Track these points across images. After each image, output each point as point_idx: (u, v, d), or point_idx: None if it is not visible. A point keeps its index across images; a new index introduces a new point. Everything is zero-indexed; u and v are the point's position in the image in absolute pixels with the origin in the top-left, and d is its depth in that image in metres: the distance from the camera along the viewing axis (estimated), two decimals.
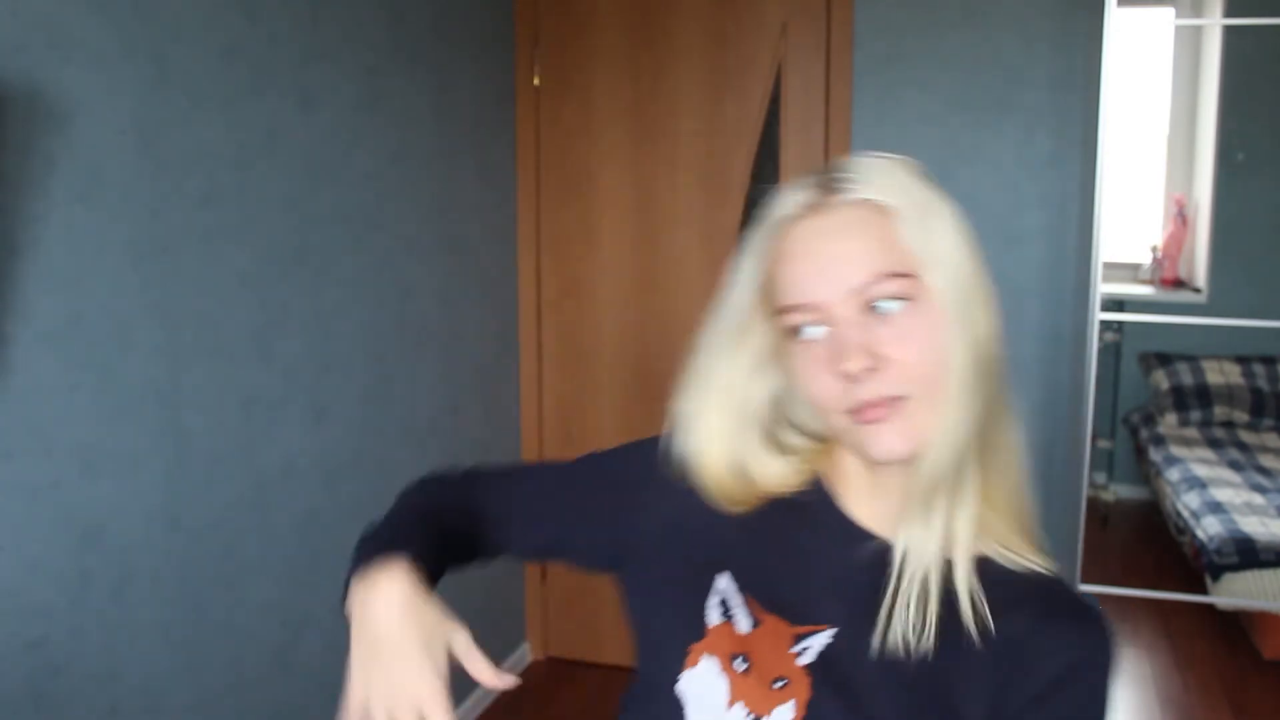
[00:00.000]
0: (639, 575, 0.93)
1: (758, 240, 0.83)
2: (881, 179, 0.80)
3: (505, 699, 3.05)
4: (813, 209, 0.80)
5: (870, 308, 0.77)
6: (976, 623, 0.79)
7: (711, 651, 0.85)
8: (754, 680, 0.83)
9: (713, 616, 0.86)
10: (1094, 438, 3.83)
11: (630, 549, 0.94)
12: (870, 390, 0.76)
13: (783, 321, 0.81)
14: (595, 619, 3.24)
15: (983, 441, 0.81)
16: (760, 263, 0.83)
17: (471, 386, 2.87)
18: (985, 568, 0.82)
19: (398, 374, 2.51)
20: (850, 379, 0.76)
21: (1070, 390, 2.75)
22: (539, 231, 3.11)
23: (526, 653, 3.27)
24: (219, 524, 1.95)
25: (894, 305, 0.77)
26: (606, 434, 3.11)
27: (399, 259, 2.48)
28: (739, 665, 0.84)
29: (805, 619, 0.84)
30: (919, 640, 0.79)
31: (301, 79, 2.11)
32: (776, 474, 0.89)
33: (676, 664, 0.86)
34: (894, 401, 0.77)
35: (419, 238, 2.57)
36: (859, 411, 0.77)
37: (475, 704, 2.94)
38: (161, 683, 1.83)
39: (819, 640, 0.83)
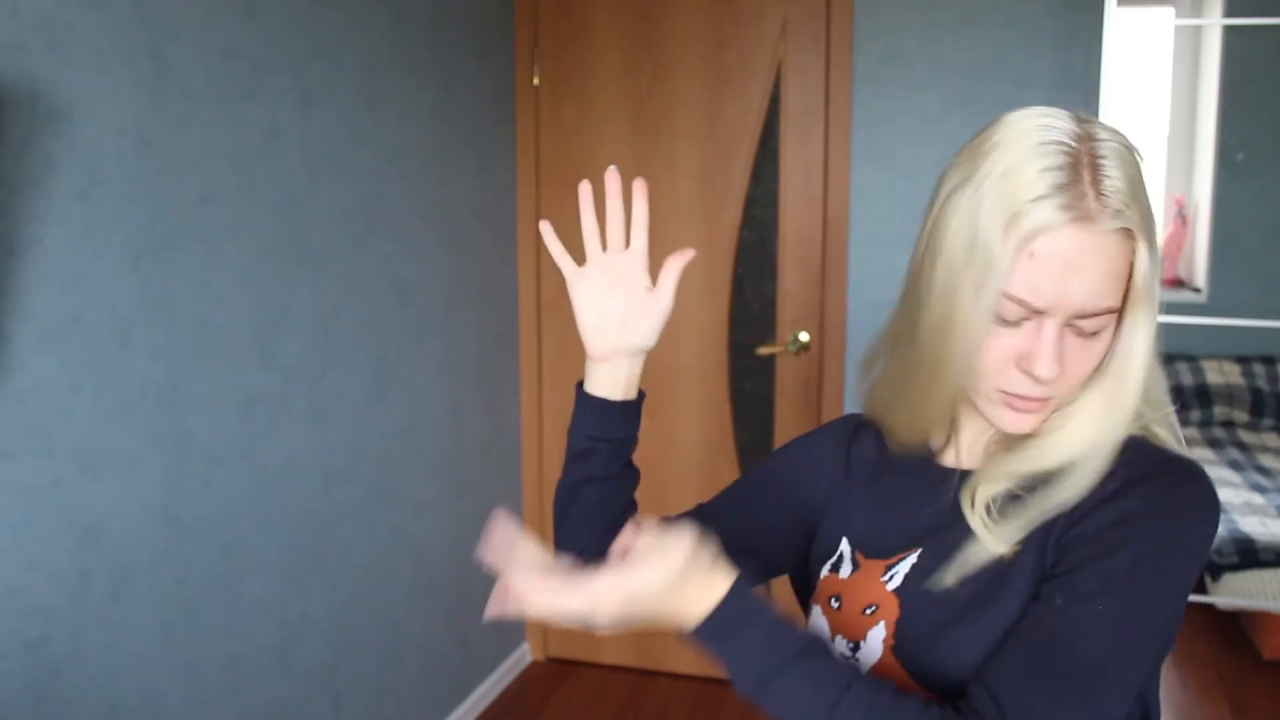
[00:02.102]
0: (805, 559, 1.06)
1: (1003, 219, 0.79)
2: (1136, 200, 0.80)
3: (505, 699, 3.05)
4: (1077, 221, 0.78)
5: (1073, 324, 0.82)
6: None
7: (816, 600, 0.98)
8: (847, 613, 0.94)
9: (824, 573, 0.99)
10: None
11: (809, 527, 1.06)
12: (1038, 391, 0.84)
13: (1000, 304, 0.81)
14: None
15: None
16: (1001, 244, 0.79)
17: (471, 386, 2.87)
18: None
19: (398, 374, 2.51)
20: (1035, 381, 0.83)
21: None
22: (539, 231, 3.11)
23: (526, 653, 3.27)
24: (218, 524, 1.95)
25: (1094, 330, 0.82)
26: None
27: (399, 259, 2.48)
28: (834, 604, 0.96)
29: (896, 552, 0.94)
30: (993, 549, 0.86)
31: (301, 79, 2.11)
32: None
33: (806, 615, 1.00)
34: (1043, 401, 0.85)
35: (419, 238, 2.57)
36: (1015, 398, 0.85)
37: (475, 704, 2.94)
38: (161, 682, 1.83)
39: (905, 565, 0.92)
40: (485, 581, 2.99)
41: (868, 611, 0.92)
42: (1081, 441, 0.85)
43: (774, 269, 2.98)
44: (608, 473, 1.03)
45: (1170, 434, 0.90)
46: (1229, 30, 4.21)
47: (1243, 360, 4.36)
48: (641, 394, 1.05)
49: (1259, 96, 4.27)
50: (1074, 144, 0.79)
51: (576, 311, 1.03)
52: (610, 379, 1.02)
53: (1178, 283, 4.57)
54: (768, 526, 1.06)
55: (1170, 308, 4.45)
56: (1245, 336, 4.35)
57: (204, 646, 1.93)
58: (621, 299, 1.02)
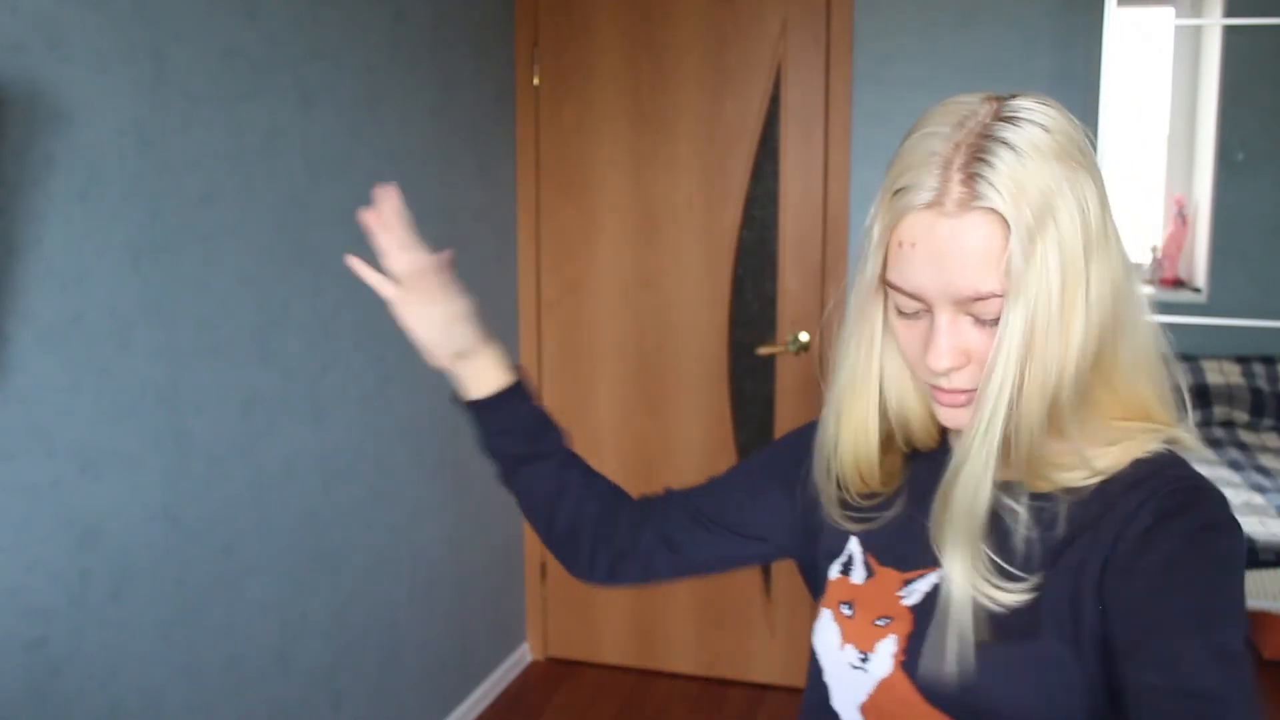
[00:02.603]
0: (812, 550, 1.02)
1: (885, 204, 0.82)
2: (1016, 182, 0.76)
3: (505, 699, 3.05)
4: (937, 203, 0.78)
5: (967, 311, 0.81)
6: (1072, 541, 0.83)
7: (826, 604, 0.95)
8: (858, 621, 0.91)
9: (833, 573, 0.96)
10: None
11: (800, 528, 1.03)
12: (949, 382, 0.83)
13: (893, 296, 0.84)
14: (595, 619, 3.24)
15: (1075, 404, 0.82)
16: (883, 232, 0.83)
17: None
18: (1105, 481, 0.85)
19: (398, 374, 2.51)
20: (923, 370, 0.84)
21: None
22: (539, 231, 3.11)
23: (526, 653, 3.27)
24: (218, 524, 1.95)
25: (992, 317, 0.80)
26: (606, 434, 3.11)
27: None
28: (845, 611, 0.93)
29: (918, 566, 0.91)
30: (1016, 570, 0.83)
31: (301, 79, 2.11)
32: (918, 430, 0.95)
33: (813, 622, 0.98)
34: (968, 392, 0.83)
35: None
36: (936, 390, 0.85)
37: (475, 704, 2.94)
38: (161, 682, 1.83)
39: (925, 582, 0.89)
40: (485, 581, 2.99)
41: (879, 622, 0.90)
42: (1020, 426, 0.82)
43: (774, 269, 2.98)
44: (531, 452, 1.11)
45: (1189, 437, 0.88)
46: (1229, 30, 4.21)
47: (1243, 360, 4.36)
48: (519, 373, 1.10)
49: (1259, 96, 4.27)
50: (957, 133, 0.78)
51: (407, 331, 1.11)
52: (476, 379, 1.09)
53: (1178, 283, 4.57)
54: (771, 510, 1.05)
55: (1170, 308, 4.45)
56: (1245, 336, 4.35)
57: (204, 646, 1.93)
58: (437, 306, 1.11)
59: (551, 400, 3.16)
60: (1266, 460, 3.91)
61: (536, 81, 3.05)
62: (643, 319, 3.07)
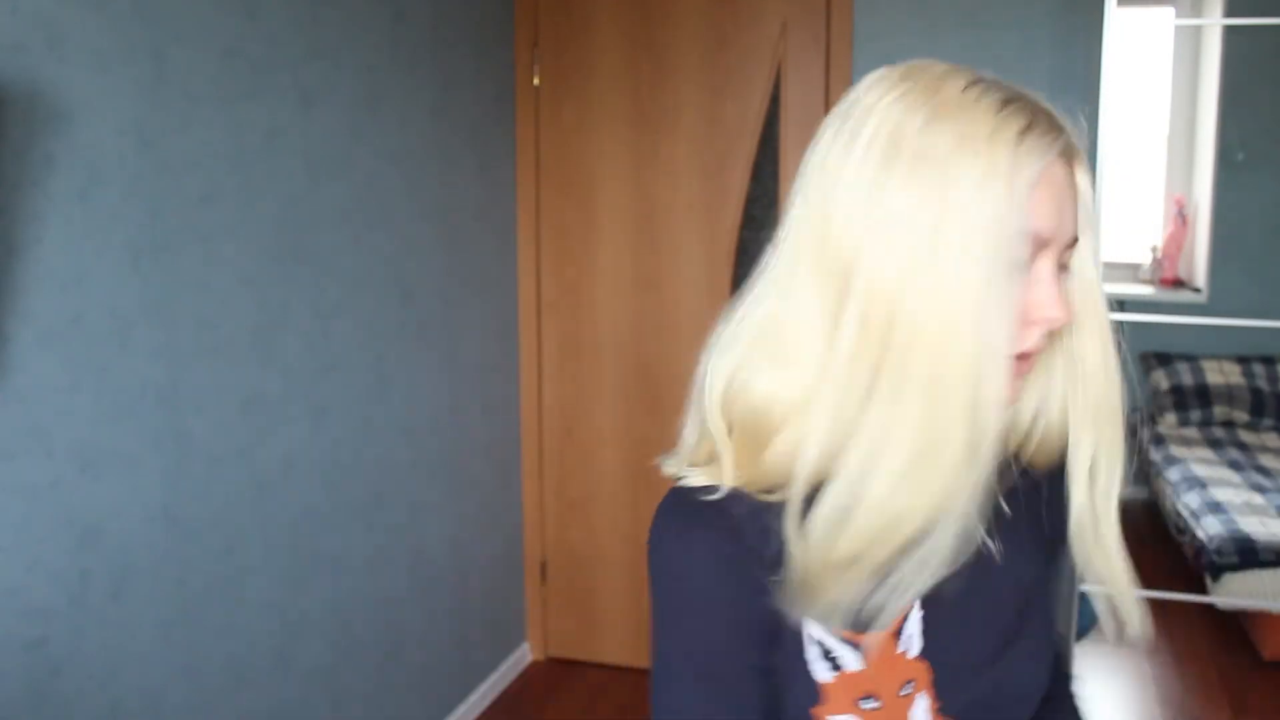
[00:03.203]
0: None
1: (1006, 151, 0.71)
2: (1079, 139, 0.77)
3: (505, 699, 3.05)
4: (1066, 151, 0.75)
5: (1061, 260, 0.77)
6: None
7: (839, 711, 0.80)
8: (887, 706, 0.81)
9: (820, 672, 0.80)
10: None
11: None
12: (1042, 342, 0.77)
13: (1017, 250, 0.72)
14: (595, 619, 3.24)
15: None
16: (1007, 189, 0.71)
17: (471, 386, 2.87)
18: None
19: (398, 374, 2.51)
20: (1045, 329, 0.76)
21: None
22: (539, 231, 3.11)
23: (526, 653, 3.27)
24: (218, 524, 1.95)
25: (1066, 264, 0.78)
26: (606, 434, 3.11)
27: (399, 258, 2.48)
28: (869, 705, 0.80)
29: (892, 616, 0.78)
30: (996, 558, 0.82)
31: (301, 79, 2.11)
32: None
33: None
34: (1036, 356, 0.78)
35: (419, 237, 2.57)
36: (1021, 359, 0.76)
37: (475, 704, 2.94)
38: (161, 682, 1.83)
39: (913, 624, 0.82)
40: (485, 581, 2.99)
41: (904, 692, 0.81)
42: (1097, 389, 0.83)
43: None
44: None
45: None
46: (1229, 30, 4.21)
47: (1243, 360, 4.36)
48: None
49: (1259, 96, 4.27)
50: (995, 83, 0.75)
51: None
52: None
53: (1178, 283, 4.57)
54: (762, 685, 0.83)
55: (1170, 308, 4.45)
56: (1245, 336, 4.35)
57: (204, 646, 1.93)
58: None
59: (551, 400, 3.16)
60: (1266, 460, 3.91)
61: (536, 81, 3.05)
62: (643, 319, 3.07)
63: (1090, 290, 0.81)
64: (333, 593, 2.29)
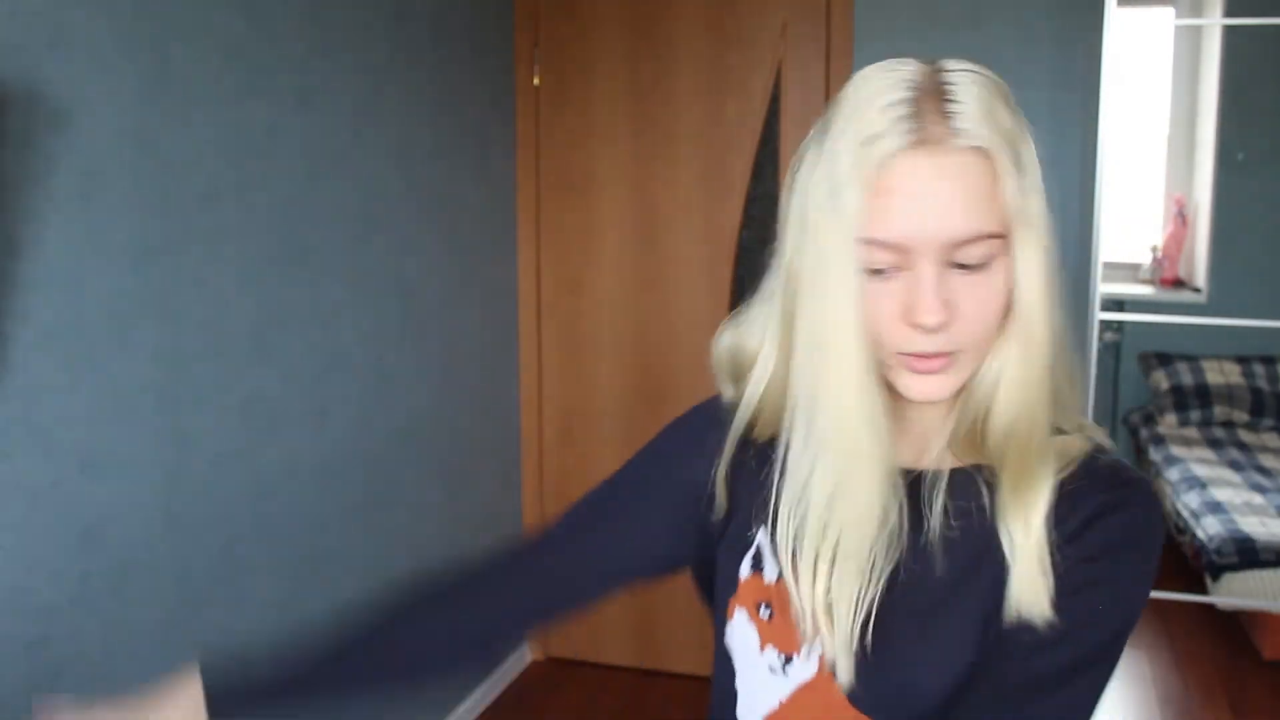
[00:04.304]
0: (708, 546, 0.95)
1: (850, 159, 0.75)
2: (990, 119, 0.75)
3: (505, 699, 3.05)
4: (922, 143, 0.74)
5: (952, 260, 0.76)
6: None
7: (741, 603, 0.89)
8: (779, 623, 0.86)
9: (744, 570, 0.89)
10: None
11: (689, 522, 0.96)
12: (932, 344, 0.76)
13: (867, 254, 0.76)
14: (595, 619, 3.24)
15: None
16: (855, 188, 0.75)
17: (471, 386, 2.87)
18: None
19: (398, 374, 2.51)
20: (923, 331, 0.76)
21: None
22: (539, 231, 3.11)
23: (526, 653, 3.27)
24: (219, 524, 1.95)
25: (981, 265, 0.76)
26: (606, 434, 3.11)
27: (399, 259, 2.48)
28: (763, 613, 0.87)
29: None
30: (944, 559, 0.81)
31: (301, 78, 2.11)
32: None
33: (722, 621, 0.91)
34: (949, 355, 0.77)
35: (419, 238, 2.57)
36: (914, 358, 0.78)
37: (475, 704, 2.94)
38: (161, 682, 1.83)
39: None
40: None
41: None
42: (1011, 400, 0.79)
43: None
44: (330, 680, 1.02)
45: (1105, 440, 0.84)
46: (1229, 30, 4.21)
47: (1243, 360, 4.36)
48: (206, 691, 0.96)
49: (1259, 96, 4.27)
50: (918, 78, 0.75)
51: None
52: None
53: (1178, 283, 4.57)
54: (645, 530, 0.97)
55: (1170, 308, 4.45)
56: (1245, 336, 4.35)
57: (204, 646, 1.93)
58: None
59: (551, 400, 3.16)
60: (1266, 460, 3.91)
61: (536, 81, 3.05)
62: (643, 319, 3.07)
63: (1024, 293, 0.77)
64: (333, 593, 2.29)
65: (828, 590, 0.81)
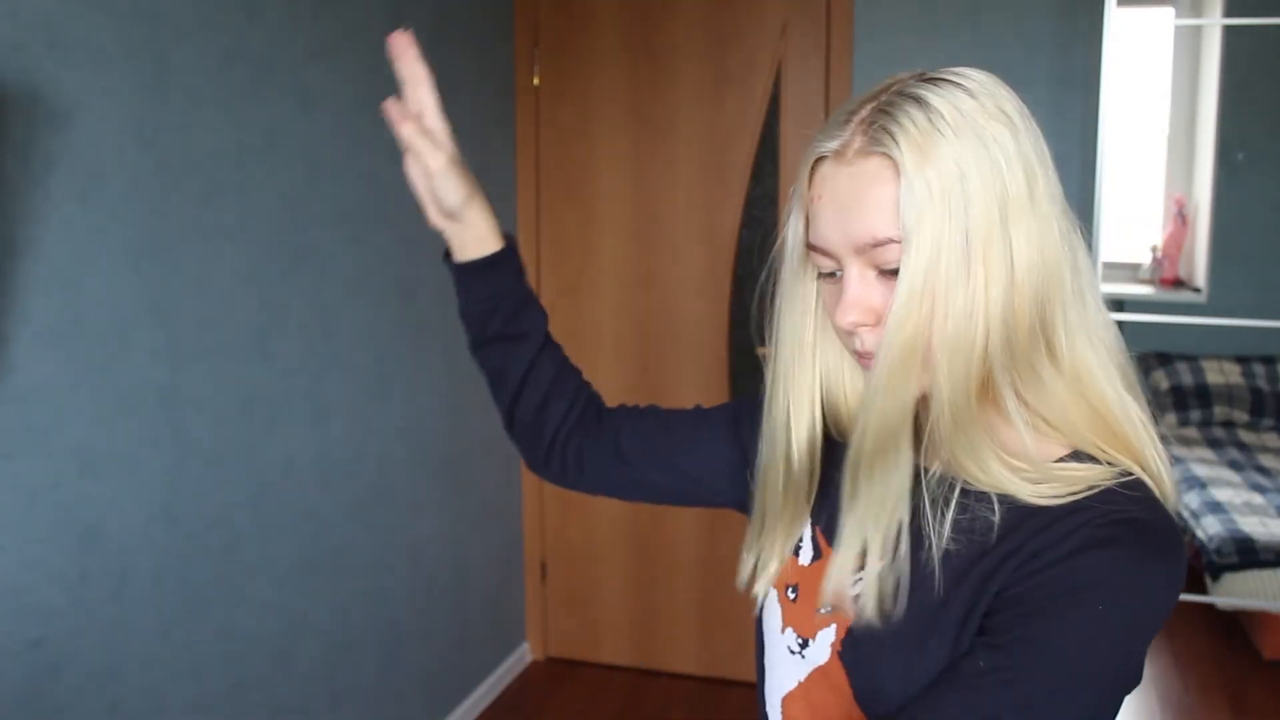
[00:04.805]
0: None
1: (803, 168, 0.83)
2: (920, 131, 0.75)
3: (505, 699, 3.05)
4: (840, 152, 0.78)
5: (874, 264, 0.79)
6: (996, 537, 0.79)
7: (774, 584, 0.93)
8: (803, 606, 0.89)
9: (785, 552, 0.93)
10: None
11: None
12: (859, 343, 0.81)
13: (810, 256, 0.84)
14: (595, 619, 3.24)
15: (1013, 376, 0.78)
16: (801, 195, 0.84)
17: (471, 386, 2.87)
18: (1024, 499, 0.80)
19: (398, 374, 2.51)
20: (843, 332, 0.82)
21: None
22: (539, 231, 3.11)
23: (526, 653, 3.27)
24: (218, 524, 1.95)
25: (889, 266, 0.77)
26: None
27: (399, 259, 2.48)
28: (790, 595, 0.91)
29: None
30: (940, 562, 0.80)
31: (302, 79, 2.11)
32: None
33: (761, 598, 0.95)
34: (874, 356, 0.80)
35: (419, 237, 2.57)
36: (858, 355, 0.83)
37: (475, 704, 2.94)
38: (161, 682, 1.83)
39: (871, 571, 0.86)
40: (485, 581, 2.99)
41: (823, 611, 0.86)
42: (935, 410, 0.78)
43: (774, 269, 2.97)
44: (508, 331, 1.09)
45: (1157, 457, 0.81)
46: (1229, 30, 4.21)
47: (1243, 360, 4.36)
48: (509, 241, 1.06)
49: (1259, 96, 4.27)
50: (874, 95, 0.79)
51: (411, 185, 1.09)
52: (463, 241, 1.06)
53: (1178, 283, 4.57)
54: (715, 459, 1.04)
55: (1170, 308, 4.45)
56: (1245, 336, 4.35)
57: (204, 646, 1.93)
58: (427, 162, 1.06)
59: None
60: (1266, 460, 3.91)
61: (536, 81, 3.05)
62: (643, 319, 3.07)
63: (902, 296, 0.76)
64: (333, 593, 2.29)
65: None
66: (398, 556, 2.54)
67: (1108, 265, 4.50)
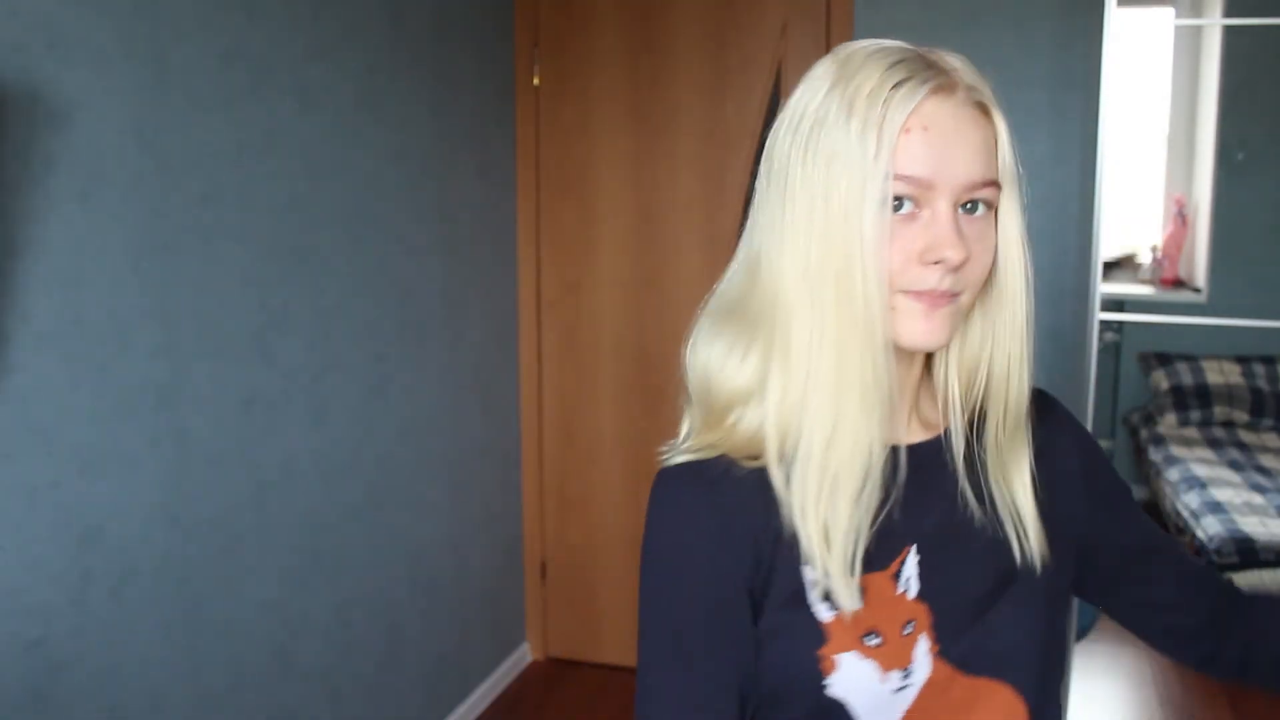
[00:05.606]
0: (757, 607, 0.86)
1: (862, 119, 0.77)
2: (984, 85, 0.82)
3: (505, 699, 3.05)
4: (948, 88, 0.79)
5: (961, 205, 0.80)
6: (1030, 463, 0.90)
7: (840, 648, 0.82)
8: (890, 643, 0.83)
9: (822, 612, 0.82)
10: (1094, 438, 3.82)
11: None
12: (944, 282, 0.79)
13: (892, 189, 0.78)
14: (595, 619, 3.24)
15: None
16: (877, 136, 0.77)
17: (471, 386, 2.87)
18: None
19: (398, 374, 2.51)
20: (945, 267, 0.78)
21: (1070, 390, 2.75)
22: (539, 231, 3.11)
23: (526, 653, 3.27)
24: (218, 524, 1.95)
25: (982, 210, 0.81)
26: (606, 434, 3.11)
27: (399, 259, 2.48)
28: (873, 641, 0.83)
29: (889, 558, 0.84)
30: (987, 510, 0.88)
31: (301, 79, 2.11)
32: None
33: (815, 676, 0.82)
34: (953, 297, 0.81)
35: (419, 237, 2.57)
36: (925, 295, 0.80)
37: (475, 704, 2.94)
38: (161, 683, 1.83)
39: (910, 566, 0.85)
40: (485, 581, 2.99)
41: (906, 631, 0.83)
42: (1003, 355, 0.86)
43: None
44: None
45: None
46: (1229, 30, 4.21)
47: (1243, 360, 4.36)
48: None
49: (1259, 96, 4.27)
50: (907, 45, 0.82)
51: None
52: None
53: (1178, 283, 4.58)
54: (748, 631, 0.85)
55: (1170, 308, 4.45)
56: (1245, 336, 4.35)
57: (204, 646, 1.93)
58: None
59: (551, 400, 3.16)
60: (1266, 460, 3.91)
61: (536, 81, 3.05)
62: (643, 319, 3.07)
63: (1007, 247, 0.83)
64: (333, 593, 2.29)
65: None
66: (398, 556, 2.54)
67: (1108, 265, 4.50)
